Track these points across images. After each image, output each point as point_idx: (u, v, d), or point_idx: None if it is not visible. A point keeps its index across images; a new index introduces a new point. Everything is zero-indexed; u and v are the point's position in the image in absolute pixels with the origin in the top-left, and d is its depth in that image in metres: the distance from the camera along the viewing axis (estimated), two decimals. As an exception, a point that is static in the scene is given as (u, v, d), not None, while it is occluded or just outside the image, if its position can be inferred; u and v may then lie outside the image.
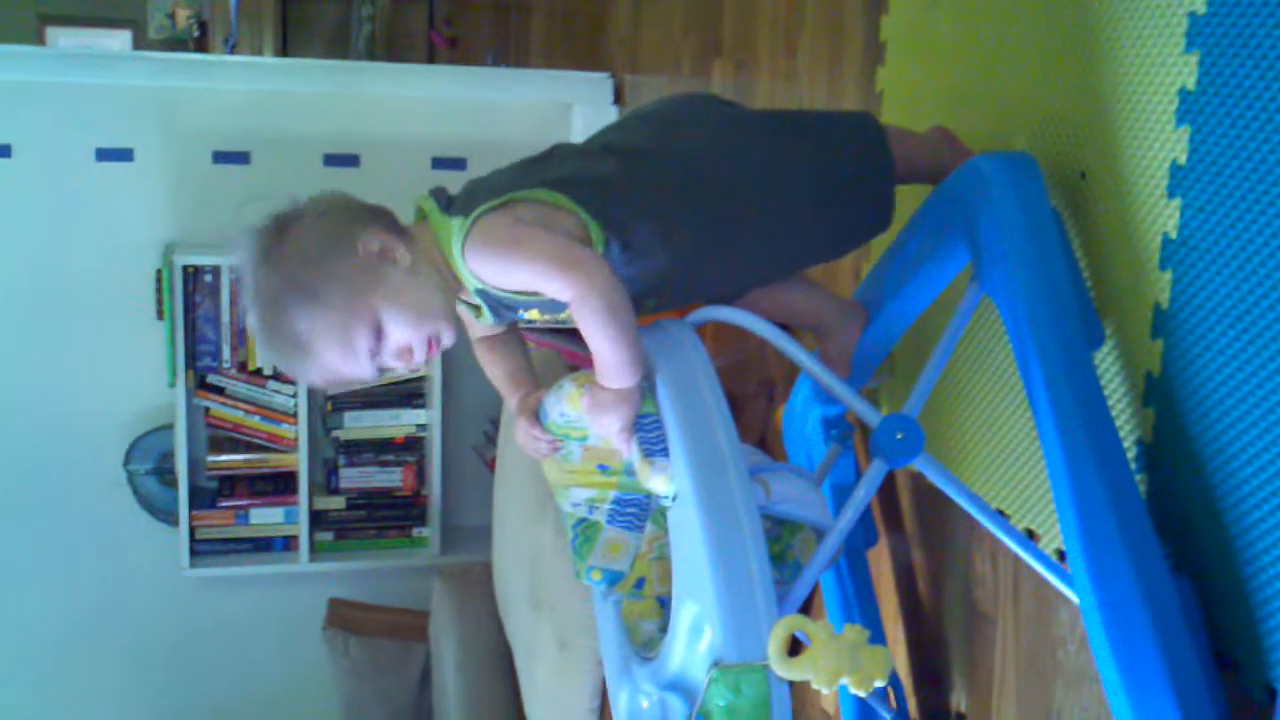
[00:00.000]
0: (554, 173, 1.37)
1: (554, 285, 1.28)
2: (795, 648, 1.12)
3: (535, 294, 1.32)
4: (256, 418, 3.29)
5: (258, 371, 3.28)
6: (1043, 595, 1.41)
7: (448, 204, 1.37)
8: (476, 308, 1.41)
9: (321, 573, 3.44)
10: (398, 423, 3.41)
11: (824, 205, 1.45)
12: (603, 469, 1.50)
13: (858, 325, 1.58)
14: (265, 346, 1.35)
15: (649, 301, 1.39)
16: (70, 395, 3.30)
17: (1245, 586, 1.12)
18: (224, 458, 3.33)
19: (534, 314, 1.39)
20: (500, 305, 1.38)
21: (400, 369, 1.36)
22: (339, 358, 1.32)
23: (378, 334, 1.31)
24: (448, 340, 1.36)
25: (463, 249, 1.32)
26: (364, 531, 3.46)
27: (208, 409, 3.29)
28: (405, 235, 1.35)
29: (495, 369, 1.55)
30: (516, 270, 1.31)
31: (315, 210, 1.35)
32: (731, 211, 1.39)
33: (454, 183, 3.28)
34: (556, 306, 1.35)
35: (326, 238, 1.33)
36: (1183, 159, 1.17)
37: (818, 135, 1.47)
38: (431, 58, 6.27)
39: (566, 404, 1.40)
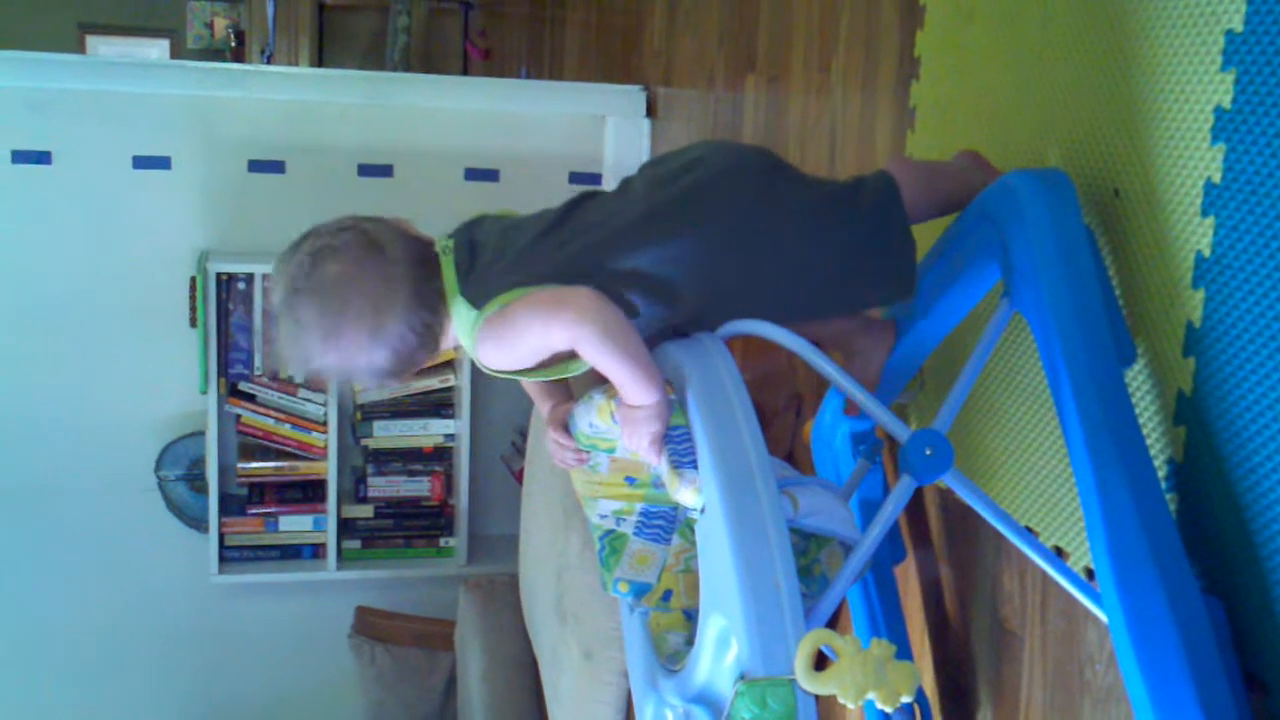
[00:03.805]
0: (562, 255, 1.40)
1: (555, 337, 1.33)
2: (822, 662, 1.11)
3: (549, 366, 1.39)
4: (287, 426, 3.31)
5: (289, 380, 3.30)
6: (1071, 613, 1.41)
7: (467, 272, 1.41)
8: None
9: (349, 581, 3.46)
10: (426, 432, 3.42)
11: (839, 282, 1.46)
12: (630, 481, 1.50)
13: (885, 346, 1.58)
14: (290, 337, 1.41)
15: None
16: (103, 401, 3.33)
17: (1276, 607, 1.11)
18: (254, 465, 3.34)
19: None
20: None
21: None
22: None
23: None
24: None
25: (475, 347, 1.39)
26: (391, 540, 3.47)
27: (239, 416, 3.31)
28: (443, 308, 1.42)
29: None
30: (521, 351, 1.37)
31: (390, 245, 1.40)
32: (747, 285, 1.42)
33: (485, 196, 3.25)
34: None
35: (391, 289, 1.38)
36: (1217, 177, 1.17)
37: (847, 223, 1.44)
38: (466, 69, 6.30)
39: (595, 415, 1.41)
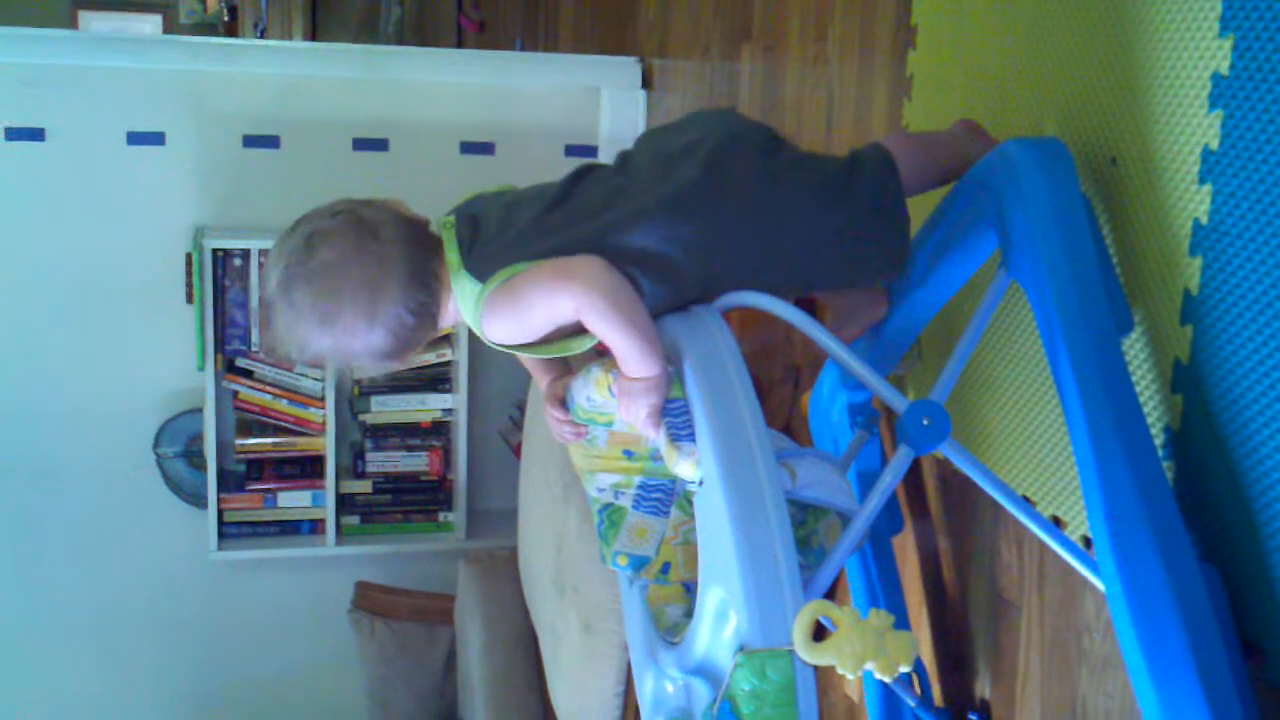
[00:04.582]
0: (566, 234, 1.39)
1: (562, 306, 1.33)
2: (820, 633, 1.12)
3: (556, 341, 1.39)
4: (284, 401, 3.31)
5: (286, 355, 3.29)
6: (1068, 582, 1.41)
7: (469, 246, 1.41)
8: None
9: (348, 556, 3.46)
10: (424, 407, 3.42)
11: (835, 262, 1.45)
12: (628, 454, 1.50)
13: (873, 308, 1.57)
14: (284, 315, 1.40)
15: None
16: (100, 378, 3.32)
17: (1272, 575, 1.11)
18: (252, 441, 3.34)
19: None
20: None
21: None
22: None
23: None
24: None
25: (480, 323, 1.39)
26: (390, 515, 3.47)
27: (236, 392, 3.30)
28: (445, 288, 1.41)
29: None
30: (528, 323, 1.37)
31: (389, 229, 1.39)
32: (747, 265, 1.41)
33: (481, 169, 3.23)
34: None
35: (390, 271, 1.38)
36: (1215, 144, 1.16)
37: (844, 204, 1.43)
38: (460, 42, 6.27)
39: (593, 389, 1.41)
